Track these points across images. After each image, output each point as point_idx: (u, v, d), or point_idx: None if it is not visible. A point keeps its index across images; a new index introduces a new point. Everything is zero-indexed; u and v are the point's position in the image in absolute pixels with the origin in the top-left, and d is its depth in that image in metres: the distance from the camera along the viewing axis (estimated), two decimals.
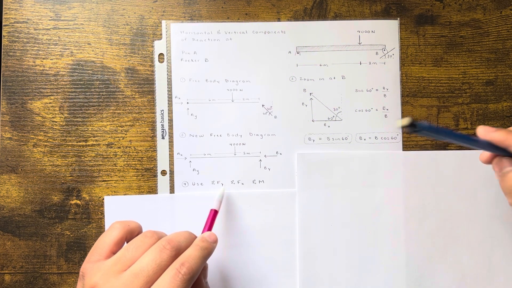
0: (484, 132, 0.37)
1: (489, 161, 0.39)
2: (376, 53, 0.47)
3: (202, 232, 0.40)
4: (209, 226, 0.41)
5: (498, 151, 0.37)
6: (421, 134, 0.35)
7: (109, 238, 0.36)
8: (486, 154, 0.38)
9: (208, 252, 0.36)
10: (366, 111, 0.47)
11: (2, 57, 0.46)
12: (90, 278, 0.33)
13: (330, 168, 0.46)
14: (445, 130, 0.36)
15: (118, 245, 0.36)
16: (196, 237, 0.37)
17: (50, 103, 0.46)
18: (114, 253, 0.35)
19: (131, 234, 0.37)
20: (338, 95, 0.47)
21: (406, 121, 0.33)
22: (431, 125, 0.35)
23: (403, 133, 0.47)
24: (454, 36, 0.48)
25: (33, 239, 0.46)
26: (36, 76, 0.46)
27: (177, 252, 0.34)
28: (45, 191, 0.46)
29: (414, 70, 0.48)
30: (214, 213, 0.42)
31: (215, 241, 0.38)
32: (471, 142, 0.36)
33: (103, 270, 0.33)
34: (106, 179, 0.46)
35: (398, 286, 0.45)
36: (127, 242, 0.37)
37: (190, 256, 0.34)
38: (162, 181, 0.46)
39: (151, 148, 0.46)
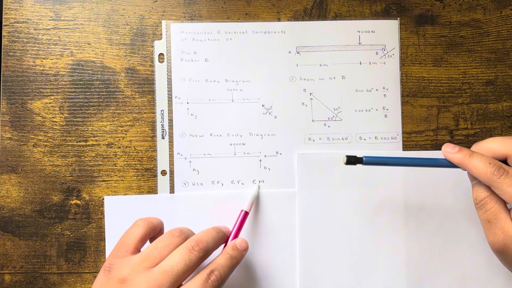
0: (445, 152, 0.38)
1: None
2: (376, 53, 0.47)
3: (230, 234, 0.41)
4: (238, 229, 0.42)
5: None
6: (369, 164, 0.38)
7: (133, 235, 0.37)
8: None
9: (237, 261, 0.38)
10: (366, 111, 0.47)
11: (2, 57, 0.46)
12: (119, 271, 0.34)
13: (330, 168, 0.46)
14: (393, 158, 0.38)
15: (143, 242, 0.37)
16: (224, 234, 0.39)
17: (50, 103, 0.46)
18: (139, 249, 0.37)
19: (154, 230, 0.39)
20: (338, 95, 0.47)
21: (345, 159, 0.37)
22: (377, 157, 0.39)
23: (403, 136, 0.47)
24: (454, 36, 0.48)
25: (33, 239, 0.46)
26: (36, 76, 0.46)
27: (205, 253, 0.36)
28: (45, 191, 0.46)
29: (414, 70, 0.48)
30: (244, 215, 0.42)
31: (246, 249, 0.39)
32: (433, 162, 0.38)
33: (131, 265, 0.34)
34: (106, 179, 0.46)
35: (398, 286, 0.45)
36: (149, 239, 0.39)
37: (220, 264, 0.36)
38: (162, 181, 0.46)
39: (151, 148, 0.46)
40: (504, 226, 0.35)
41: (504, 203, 0.36)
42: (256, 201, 0.46)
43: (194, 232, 0.39)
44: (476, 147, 0.38)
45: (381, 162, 0.39)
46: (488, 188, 0.36)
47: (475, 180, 0.37)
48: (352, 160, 0.37)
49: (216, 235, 0.38)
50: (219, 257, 0.37)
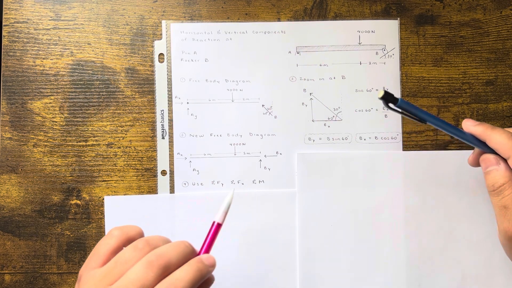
0: (466, 125, 0.38)
1: (474, 163, 0.40)
2: (376, 53, 0.47)
3: (201, 248, 0.36)
4: (210, 243, 0.36)
5: (481, 145, 0.38)
6: (400, 110, 0.36)
7: (106, 246, 0.34)
8: (471, 156, 0.40)
9: (201, 275, 0.33)
10: (366, 111, 0.47)
11: (2, 57, 0.46)
12: (84, 284, 0.32)
13: (330, 168, 0.46)
14: (426, 112, 0.37)
15: (114, 254, 0.34)
16: (193, 250, 0.34)
17: (50, 103, 0.46)
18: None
19: (129, 241, 0.35)
20: (338, 95, 0.47)
21: (381, 92, 0.35)
22: (411, 104, 0.36)
23: (402, 131, 0.47)
24: (454, 36, 0.48)
25: (33, 239, 0.46)
26: (36, 76, 0.46)
27: (165, 270, 0.32)
28: (45, 191, 0.46)
29: (414, 70, 0.48)
30: (217, 227, 0.36)
31: (213, 265, 0.34)
32: (455, 131, 0.38)
33: (94, 279, 0.32)
34: (106, 179, 0.46)
35: (398, 286, 0.45)
36: None
37: (179, 278, 0.31)
38: (162, 181, 0.46)
39: (151, 148, 0.46)
40: None
41: None
42: (256, 201, 0.46)
43: (165, 241, 0.35)
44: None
45: (413, 112, 0.36)
46: (507, 173, 0.36)
47: (490, 167, 0.37)
48: (387, 97, 0.35)
49: (183, 250, 0.33)
50: (180, 270, 0.32)
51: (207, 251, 0.35)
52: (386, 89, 0.36)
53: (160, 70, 0.47)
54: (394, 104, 0.35)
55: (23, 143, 0.46)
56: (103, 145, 0.46)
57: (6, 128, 0.46)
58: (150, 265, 0.31)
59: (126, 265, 0.32)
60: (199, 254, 0.35)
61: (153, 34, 0.47)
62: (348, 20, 0.48)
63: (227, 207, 0.36)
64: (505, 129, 0.38)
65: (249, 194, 0.46)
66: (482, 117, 0.47)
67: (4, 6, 0.46)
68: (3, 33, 0.46)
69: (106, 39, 0.47)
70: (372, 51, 0.47)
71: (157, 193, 0.46)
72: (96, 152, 0.46)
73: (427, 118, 0.37)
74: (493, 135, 0.36)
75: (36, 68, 0.46)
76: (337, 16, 0.48)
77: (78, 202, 0.46)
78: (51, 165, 0.46)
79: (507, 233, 0.36)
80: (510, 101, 0.48)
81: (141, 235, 0.36)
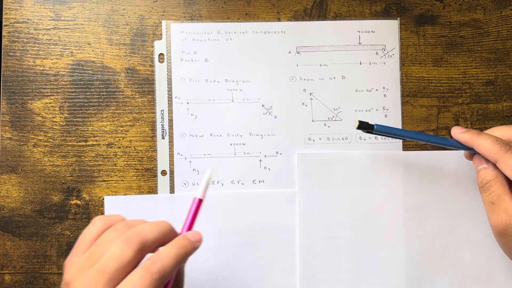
0: (454, 132, 0.40)
1: (470, 157, 0.41)
2: (376, 53, 0.47)
3: (183, 225, 0.35)
4: (192, 220, 0.35)
5: (470, 149, 0.40)
6: (377, 133, 0.39)
7: (89, 233, 0.33)
8: (467, 151, 0.41)
9: (186, 251, 0.32)
10: (366, 111, 0.47)
11: (2, 57, 0.46)
12: (66, 273, 0.32)
13: (330, 168, 0.46)
14: (403, 130, 0.40)
15: None
16: (172, 229, 0.33)
17: (50, 103, 0.46)
18: None
19: None
20: (338, 95, 0.47)
21: (357, 123, 0.38)
22: (387, 126, 0.40)
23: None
24: (454, 36, 0.48)
25: (33, 239, 0.46)
26: (36, 76, 0.46)
27: (144, 246, 0.31)
28: (45, 191, 0.46)
29: (414, 70, 0.48)
30: (198, 204, 0.35)
31: (199, 241, 0.34)
32: (440, 140, 0.40)
33: (76, 266, 0.31)
34: (106, 179, 0.46)
35: (398, 286, 0.45)
36: None
37: (163, 254, 0.31)
38: (162, 181, 0.46)
39: (151, 148, 0.46)
40: (508, 207, 0.36)
41: (508, 186, 0.37)
42: (256, 201, 0.46)
43: (145, 223, 0.34)
44: (486, 131, 0.40)
45: (391, 132, 0.40)
46: (494, 171, 0.38)
47: (481, 165, 0.39)
48: (363, 126, 0.39)
49: (162, 227, 0.32)
50: (164, 247, 0.32)
51: (190, 228, 0.35)
52: (359, 120, 0.39)
53: (160, 70, 0.47)
54: (371, 130, 0.39)
55: (23, 143, 0.46)
56: (103, 145, 0.46)
57: (6, 128, 0.46)
58: (128, 241, 0.31)
59: (106, 246, 0.31)
60: (181, 232, 0.34)
61: (153, 34, 0.47)
62: (348, 20, 0.48)
63: (207, 182, 0.35)
64: (492, 129, 0.40)
65: (249, 194, 0.46)
66: (482, 117, 0.47)
67: (4, 6, 0.46)
68: (3, 33, 0.46)
69: (106, 39, 0.47)
70: (372, 51, 0.47)
71: (157, 193, 0.46)
72: (96, 152, 0.46)
73: (406, 135, 0.40)
74: (479, 141, 0.38)
75: (36, 68, 0.46)
76: (337, 16, 0.48)
77: (78, 202, 0.46)
78: (51, 165, 0.46)
79: (497, 228, 0.37)
80: (510, 101, 0.48)
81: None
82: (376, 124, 0.39)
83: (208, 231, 0.45)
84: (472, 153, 0.40)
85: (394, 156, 0.46)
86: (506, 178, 0.37)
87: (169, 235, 0.33)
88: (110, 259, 0.30)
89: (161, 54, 0.47)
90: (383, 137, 0.43)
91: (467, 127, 0.47)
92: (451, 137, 0.40)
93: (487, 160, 0.38)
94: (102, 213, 0.46)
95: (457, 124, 0.47)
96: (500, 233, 0.37)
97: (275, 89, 0.47)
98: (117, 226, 0.33)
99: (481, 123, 0.47)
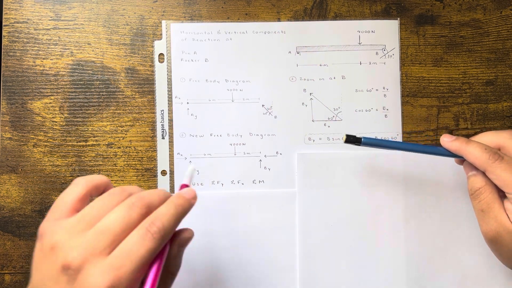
0: (443, 141, 0.39)
1: (460, 162, 0.41)
2: (376, 53, 0.47)
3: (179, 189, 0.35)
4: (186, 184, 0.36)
5: (461, 157, 0.39)
6: (365, 146, 0.40)
7: (71, 195, 0.32)
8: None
9: (183, 209, 0.32)
10: (366, 111, 0.47)
11: (2, 57, 0.46)
12: (50, 237, 0.30)
13: (330, 168, 0.46)
14: (391, 141, 0.40)
15: (82, 202, 0.32)
16: (170, 195, 0.33)
17: (50, 103, 0.46)
18: (77, 211, 0.31)
19: (97, 190, 0.33)
20: (338, 95, 0.47)
21: (344, 137, 0.39)
22: (375, 138, 0.40)
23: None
24: (454, 36, 0.48)
25: (33, 239, 0.46)
26: (36, 76, 0.46)
27: (148, 210, 0.31)
28: (45, 191, 0.46)
29: (414, 70, 0.48)
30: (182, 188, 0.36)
31: (194, 197, 0.34)
32: (428, 149, 0.40)
33: (65, 228, 0.30)
34: None
35: (398, 286, 0.45)
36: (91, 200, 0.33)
37: (161, 213, 0.30)
38: (162, 181, 0.46)
39: (151, 148, 0.46)
40: (498, 215, 0.36)
41: (498, 193, 0.37)
42: (256, 201, 0.46)
43: (141, 190, 0.34)
44: (473, 138, 0.39)
45: (379, 144, 0.40)
46: (484, 178, 0.37)
47: (471, 172, 0.38)
48: (351, 139, 0.39)
49: (162, 195, 0.32)
50: (161, 207, 0.31)
51: (184, 188, 0.35)
52: (346, 134, 0.40)
53: (160, 70, 0.47)
54: (359, 144, 0.39)
55: (23, 143, 0.46)
56: (103, 145, 0.46)
57: (6, 128, 0.46)
58: (133, 205, 0.30)
59: (104, 209, 0.30)
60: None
61: (153, 34, 0.47)
62: (348, 20, 0.48)
63: (192, 173, 0.37)
64: (481, 134, 0.39)
65: (249, 194, 0.46)
66: (482, 117, 0.47)
67: (4, 6, 0.46)
68: (3, 33, 0.46)
69: (106, 39, 0.47)
70: (372, 51, 0.47)
71: None
72: (96, 152, 0.46)
73: (395, 146, 0.40)
74: (468, 150, 0.37)
75: (36, 68, 0.46)
76: (337, 16, 0.48)
77: None
78: (51, 165, 0.46)
79: (487, 236, 0.37)
80: (510, 101, 0.48)
81: (108, 184, 0.34)
82: (364, 137, 0.39)
83: (208, 231, 0.45)
84: (462, 159, 0.40)
85: (394, 156, 0.46)
86: (496, 186, 0.37)
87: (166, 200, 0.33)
88: (114, 219, 0.29)
89: (161, 54, 0.47)
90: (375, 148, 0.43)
91: (467, 127, 0.47)
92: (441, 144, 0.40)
93: (476, 168, 0.38)
94: None
95: (457, 124, 0.47)
96: (491, 241, 0.37)
97: (275, 89, 0.47)
98: (114, 192, 0.32)
99: (481, 123, 0.47)
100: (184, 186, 0.36)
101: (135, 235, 0.29)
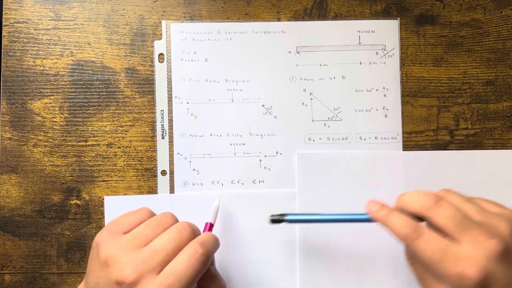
0: (368, 210, 0.36)
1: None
2: (376, 53, 0.47)
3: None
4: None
5: None
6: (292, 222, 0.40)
7: (135, 218, 0.35)
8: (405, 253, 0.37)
9: (218, 244, 0.36)
10: (366, 111, 0.47)
11: (2, 57, 0.46)
12: (106, 249, 0.32)
13: (330, 168, 0.46)
14: (318, 214, 0.39)
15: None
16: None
17: (50, 103, 0.46)
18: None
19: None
20: (338, 95, 0.47)
21: (269, 219, 0.39)
22: (300, 214, 0.40)
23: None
24: (454, 36, 0.48)
25: (33, 239, 0.46)
26: (36, 76, 0.46)
27: (194, 235, 0.34)
28: (45, 191, 0.46)
29: (414, 70, 0.48)
30: (210, 227, 0.41)
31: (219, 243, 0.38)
32: (358, 218, 0.38)
33: (120, 244, 0.32)
34: (106, 179, 0.46)
35: (398, 286, 0.45)
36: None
37: (205, 239, 0.34)
38: (162, 181, 0.46)
39: (151, 148, 0.46)
40: (431, 285, 0.33)
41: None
42: (256, 201, 0.46)
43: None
44: (399, 198, 0.35)
45: (306, 219, 0.39)
46: (408, 252, 0.35)
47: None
48: (276, 221, 0.39)
49: (216, 239, 0.37)
50: (203, 234, 0.35)
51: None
52: (271, 215, 0.40)
53: (160, 70, 0.47)
54: (285, 221, 0.39)
55: (23, 143, 0.46)
56: (103, 145, 0.46)
57: (6, 128, 0.46)
58: (183, 229, 0.34)
59: (158, 229, 0.34)
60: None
61: (153, 34, 0.47)
62: (348, 20, 0.48)
63: (216, 209, 0.42)
64: (409, 194, 0.34)
65: (249, 194, 0.46)
66: (482, 117, 0.47)
67: (4, 6, 0.46)
68: (3, 33, 0.46)
69: (106, 39, 0.47)
70: (372, 51, 0.47)
71: (157, 193, 0.46)
72: (96, 152, 0.46)
73: (320, 219, 0.39)
74: (389, 223, 0.34)
75: (36, 68, 0.46)
76: (337, 16, 0.48)
77: (78, 202, 0.46)
78: (51, 165, 0.46)
79: None
80: (510, 101, 0.48)
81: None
82: (288, 214, 0.39)
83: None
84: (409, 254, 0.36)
85: (394, 156, 0.46)
86: None
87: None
88: (168, 240, 0.33)
89: (161, 54, 0.47)
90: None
91: (467, 127, 0.47)
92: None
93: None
94: (102, 213, 0.46)
95: (457, 124, 0.47)
96: None
97: (275, 89, 0.47)
98: (166, 214, 0.36)
99: (481, 123, 0.47)
100: (208, 224, 0.40)
101: (184, 255, 0.32)
